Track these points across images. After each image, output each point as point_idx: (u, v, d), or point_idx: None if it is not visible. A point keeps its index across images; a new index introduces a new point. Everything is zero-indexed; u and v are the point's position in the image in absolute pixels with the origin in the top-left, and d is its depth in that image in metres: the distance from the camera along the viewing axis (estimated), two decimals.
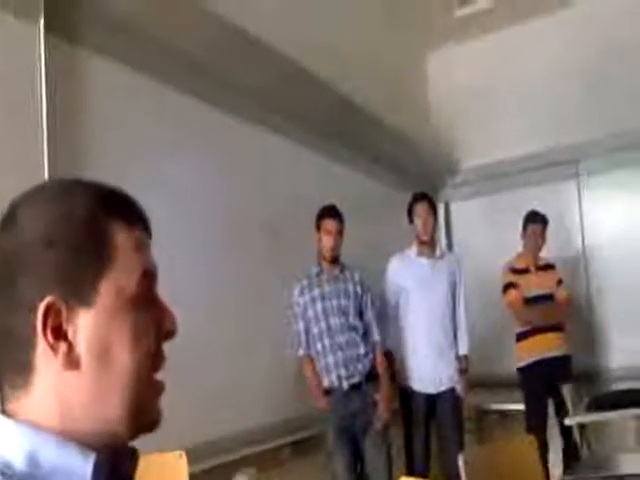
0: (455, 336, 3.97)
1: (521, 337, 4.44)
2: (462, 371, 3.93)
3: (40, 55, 2.31)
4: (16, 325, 0.66)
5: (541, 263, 4.52)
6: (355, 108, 4.20)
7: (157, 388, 0.72)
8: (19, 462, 0.63)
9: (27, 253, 0.66)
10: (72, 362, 0.66)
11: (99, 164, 2.52)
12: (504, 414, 4.95)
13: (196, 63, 3.05)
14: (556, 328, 4.38)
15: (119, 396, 0.68)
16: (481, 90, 5.65)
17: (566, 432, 4.08)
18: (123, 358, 0.68)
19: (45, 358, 0.66)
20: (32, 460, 0.63)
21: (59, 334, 0.65)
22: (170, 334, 0.73)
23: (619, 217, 5.05)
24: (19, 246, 0.66)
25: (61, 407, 0.66)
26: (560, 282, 4.49)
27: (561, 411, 4.06)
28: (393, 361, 3.80)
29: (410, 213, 3.98)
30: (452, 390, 3.88)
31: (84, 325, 0.66)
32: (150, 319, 0.71)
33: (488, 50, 5.64)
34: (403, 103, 5.31)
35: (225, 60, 3.14)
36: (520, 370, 4.42)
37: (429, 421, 3.88)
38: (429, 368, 3.84)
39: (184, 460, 2.16)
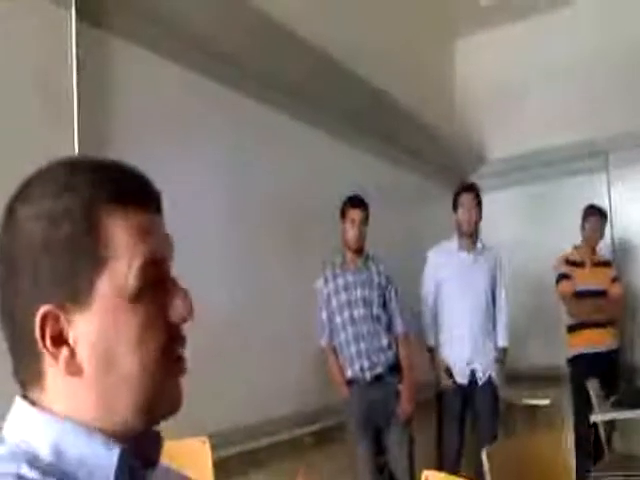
0: (494, 329, 3.96)
1: (571, 329, 4.45)
2: (499, 361, 3.91)
3: (71, 40, 2.32)
4: (21, 333, 0.66)
5: (597, 259, 4.52)
6: (383, 99, 4.17)
7: (175, 370, 0.70)
8: (45, 452, 0.63)
9: (25, 257, 0.65)
10: (75, 369, 0.65)
11: (126, 148, 2.53)
12: (529, 408, 4.91)
13: (225, 53, 3.04)
14: (607, 324, 4.38)
15: (127, 399, 0.66)
16: (509, 80, 5.58)
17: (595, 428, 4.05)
18: (127, 360, 0.66)
19: (51, 366, 0.65)
20: (57, 450, 0.64)
21: (60, 341, 0.64)
22: (184, 319, 0.70)
23: None
24: (18, 250, 0.65)
25: (73, 412, 0.66)
26: (615, 280, 4.49)
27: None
28: (433, 357, 3.85)
29: (455, 203, 3.96)
30: (489, 382, 3.87)
31: (84, 329, 0.65)
32: (158, 309, 0.68)
33: (516, 40, 5.56)
34: (431, 94, 5.26)
35: (254, 50, 3.13)
36: (569, 362, 4.44)
37: (464, 414, 3.87)
38: (465, 361, 3.85)
39: (207, 446, 2.17)
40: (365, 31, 4.25)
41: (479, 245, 4.01)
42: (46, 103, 2.25)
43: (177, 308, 0.69)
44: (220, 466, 2.30)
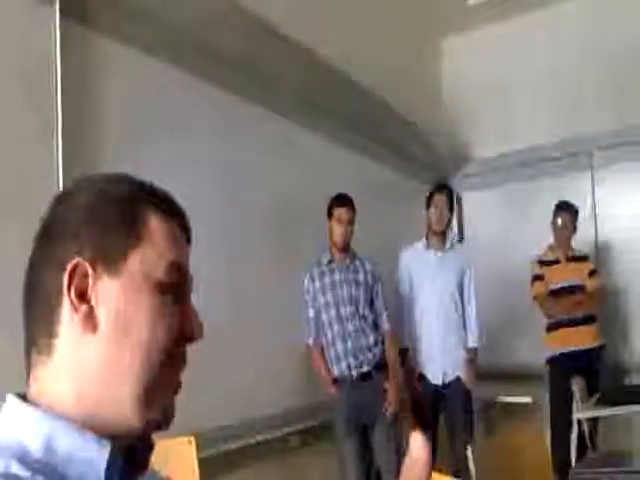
0: (464, 328, 3.97)
1: (550, 328, 4.43)
2: (469, 361, 3.92)
3: (56, 37, 2.30)
4: (48, 280, 0.69)
5: (572, 255, 4.50)
6: (368, 97, 4.19)
7: (172, 383, 0.72)
8: (36, 449, 0.64)
9: (71, 219, 0.70)
10: (91, 324, 0.67)
11: (111, 145, 2.53)
12: (510, 406, 4.94)
13: (214, 52, 3.03)
14: (585, 320, 4.36)
15: (133, 372, 0.68)
16: (495, 80, 5.61)
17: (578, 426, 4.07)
18: (140, 335, 0.68)
19: (68, 318, 0.68)
20: (49, 447, 0.64)
21: (83, 297, 0.68)
22: (193, 337, 0.74)
23: (633, 209, 5.01)
24: (66, 212, 0.71)
25: (78, 374, 0.67)
26: (592, 273, 4.46)
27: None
28: (406, 355, 3.80)
29: (428, 202, 3.98)
30: (459, 381, 3.88)
31: (108, 293, 0.68)
32: (174, 313, 0.72)
33: (502, 40, 5.59)
34: (416, 93, 5.28)
35: (238, 46, 3.13)
36: (548, 362, 4.42)
37: (436, 413, 3.88)
38: (435, 360, 3.86)
39: (193, 446, 2.17)
40: (353, 31, 4.26)
41: (448, 245, 4.02)
42: (29, 102, 2.23)
43: (190, 323, 0.73)
44: (206, 465, 2.30)
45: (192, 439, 2.19)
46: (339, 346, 3.42)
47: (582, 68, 5.21)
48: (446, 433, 3.89)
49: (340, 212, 3.47)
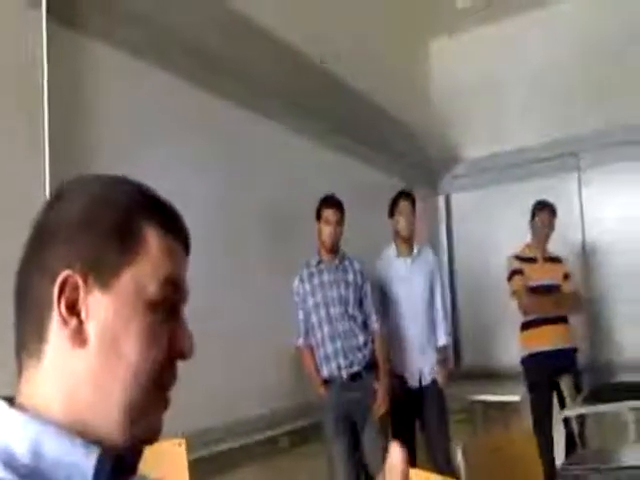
0: (435, 329, 4.01)
1: (525, 327, 4.42)
2: (441, 362, 3.96)
3: (42, 40, 2.30)
4: (39, 288, 0.67)
5: (549, 255, 4.51)
6: (357, 98, 4.20)
7: (161, 401, 0.71)
8: (22, 453, 0.63)
9: (63, 227, 0.68)
10: (80, 339, 0.66)
11: (100, 149, 2.52)
12: (498, 406, 4.97)
13: (199, 51, 3.04)
14: (560, 320, 4.37)
15: (122, 387, 0.67)
16: (483, 82, 5.64)
17: (566, 424, 4.09)
18: (130, 353, 0.67)
19: (57, 329, 0.66)
20: (35, 452, 0.63)
21: (72, 309, 0.66)
22: (183, 355, 0.72)
23: (619, 210, 5.04)
24: (58, 219, 0.69)
25: (66, 383, 0.67)
26: (567, 277, 4.48)
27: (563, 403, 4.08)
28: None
29: (392, 210, 4.00)
30: (435, 384, 3.91)
31: (98, 308, 0.67)
32: (165, 331, 0.70)
33: (490, 41, 5.62)
34: (405, 93, 5.29)
35: (228, 48, 3.14)
36: (523, 361, 4.41)
37: (413, 415, 3.90)
38: (411, 363, 3.89)
39: (183, 448, 2.17)
40: (341, 31, 4.27)
41: (415, 250, 4.05)
42: (16, 106, 2.23)
43: (181, 341, 0.72)
44: (195, 467, 2.30)
45: (183, 441, 2.18)
46: (329, 346, 3.43)
47: (570, 69, 5.24)
48: (423, 435, 3.92)
49: (328, 213, 3.49)
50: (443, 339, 4.03)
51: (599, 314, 4.99)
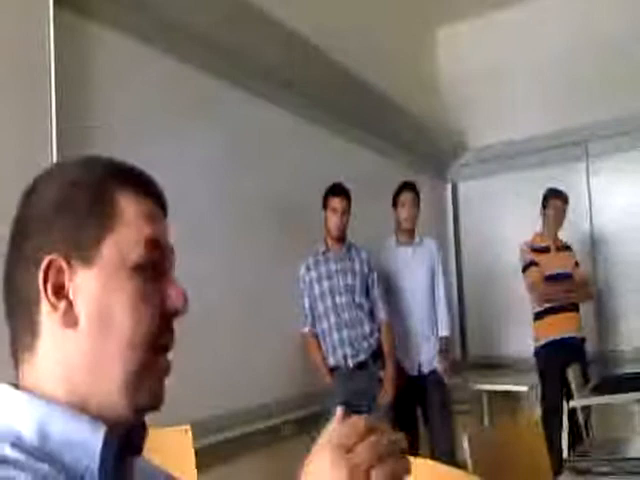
0: (436, 319, 4.00)
1: (539, 316, 4.42)
2: (442, 352, 3.95)
3: (49, 27, 2.28)
4: (25, 282, 0.68)
5: (560, 244, 4.51)
6: (365, 87, 4.17)
7: (160, 364, 0.71)
8: (29, 434, 0.64)
9: (39, 217, 0.69)
10: (71, 320, 0.67)
11: (106, 135, 2.51)
12: (504, 396, 4.96)
13: (207, 38, 3.02)
14: (572, 309, 4.38)
15: (118, 361, 0.67)
16: (491, 70, 5.60)
17: (572, 414, 4.08)
18: (122, 322, 0.67)
19: (48, 315, 0.67)
20: (42, 432, 0.64)
21: (60, 292, 0.67)
22: (177, 312, 0.72)
23: (628, 199, 5.02)
24: (33, 211, 0.70)
25: (63, 370, 0.67)
26: (577, 265, 4.48)
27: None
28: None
29: (395, 201, 4.00)
30: (435, 374, 3.91)
31: (85, 285, 0.67)
32: (155, 291, 0.70)
33: (499, 29, 5.58)
34: (412, 81, 5.26)
35: (236, 36, 3.11)
36: (537, 350, 4.42)
37: (414, 404, 3.90)
38: (411, 352, 3.89)
39: (189, 435, 2.17)
40: (348, 20, 4.25)
41: (417, 239, 4.04)
42: (23, 92, 2.22)
43: (172, 298, 0.72)
44: (202, 454, 2.30)
45: (188, 428, 2.18)
46: (335, 335, 3.43)
47: (579, 57, 5.20)
48: (426, 425, 3.93)
49: (335, 202, 3.47)
50: (444, 329, 4.02)
51: (606, 304, 4.97)
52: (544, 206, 4.48)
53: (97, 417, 0.66)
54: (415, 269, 3.97)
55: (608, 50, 5.06)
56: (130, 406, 0.68)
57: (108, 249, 0.68)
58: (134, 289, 0.68)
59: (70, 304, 0.67)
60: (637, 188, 5.01)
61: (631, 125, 4.90)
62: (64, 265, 0.67)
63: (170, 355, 0.73)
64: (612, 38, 5.03)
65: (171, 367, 0.72)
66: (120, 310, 0.67)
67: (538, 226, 4.53)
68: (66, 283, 0.67)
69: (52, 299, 0.66)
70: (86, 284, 0.67)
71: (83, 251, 0.68)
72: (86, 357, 0.67)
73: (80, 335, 0.67)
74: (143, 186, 0.73)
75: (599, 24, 5.13)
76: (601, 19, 5.13)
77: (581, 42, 5.19)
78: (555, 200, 4.44)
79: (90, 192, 0.69)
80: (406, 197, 3.96)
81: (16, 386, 0.68)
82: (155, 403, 0.71)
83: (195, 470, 2.13)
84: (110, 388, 0.67)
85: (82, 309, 0.67)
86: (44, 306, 0.67)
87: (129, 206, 0.70)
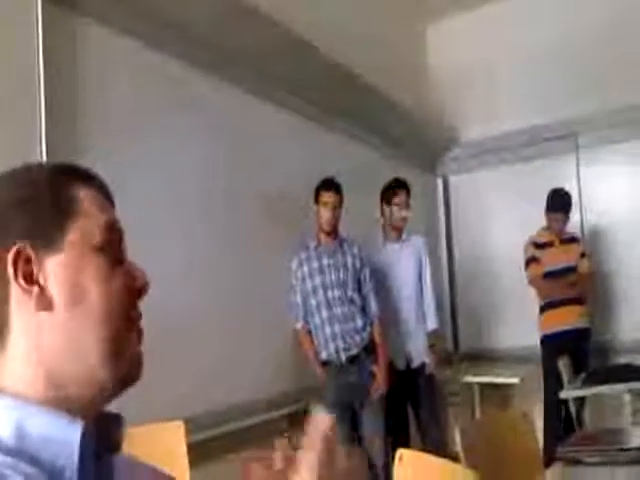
0: (424, 314, 4.02)
1: (544, 309, 4.49)
2: (430, 346, 3.97)
3: (38, 22, 2.27)
4: None
5: (565, 236, 4.54)
6: (354, 80, 4.17)
7: (134, 333, 0.74)
8: (7, 435, 0.64)
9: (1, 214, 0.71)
10: (45, 302, 0.69)
11: (96, 132, 2.50)
12: (497, 388, 4.98)
13: (196, 33, 3.01)
14: (578, 301, 4.43)
15: (95, 333, 0.70)
16: (481, 63, 5.60)
17: (565, 405, 4.12)
18: (95, 295, 0.70)
19: (19, 303, 0.69)
20: (20, 433, 0.64)
21: (31, 280, 0.69)
22: (140, 290, 0.76)
23: (618, 191, 5.04)
24: None
25: (39, 356, 0.68)
26: (583, 255, 4.52)
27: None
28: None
29: (389, 200, 3.99)
30: (423, 366, 3.93)
31: (54, 269, 0.70)
32: (117, 273, 0.74)
33: (488, 22, 5.58)
34: (402, 75, 5.26)
35: (224, 30, 3.10)
36: (542, 341, 4.48)
37: (404, 398, 3.92)
38: (399, 346, 3.89)
39: (182, 430, 2.17)
40: (338, 13, 4.25)
41: (404, 236, 4.05)
42: (11, 91, 2.20)
43: (136, 278, 0.75)
44: (195, 450, 2.30)
45: (181, 424, 2.18)
46: (327, 329, 3.44)
47: (568, 50, 5.20)
48: (415, 419, 3.95)
49: (326, 196, 3.48)
50: (433, 324, 4.04)
51: (599, 296, 4.99)
52: (549, 208, 4.49)
53: (77, 409, 0.67)
54: (403, 265, 3.99)
55: (598, 43, 5.06)
56: (112, 376, 0.70)
57: (73, 234, 0.71)
58: (101, 265, 0.72)
59: (42, 289, 0.69)
60: (627, 180, 5.04)
61: (621, 117, 4.91)
62: (32, 254, 0.69)
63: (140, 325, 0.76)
64: (602, 30, 5.04)
65: (142, 337, 0.75)
66: (91, 285, 0.70)
67: (543, 220, 4.55)
68: (35, 270, 0.69)
69: (24, 285, 0.68)
70: (55, 268, 0.70)
71: (49, 239, 0.70)
72: (64, 336, 0.69)
73: (56, 315, 0.69)
74: (89, 179, 0.77)
75: (588, 16, 5.14)
76: (590, 12, 5.14)
77: (570, 35, 5.19)
78: (558, 204, 4.46)
79: (45, 185, 0.73)
80: (401, 198, 3.97)
81: None
82: (134, 372, 0.73)
83: (188, 466, 2.14)
84: (90, 362, 0.69)
85: (54, 291, 0.69)
86: (13, 298, 0.68)
87: (84, 195, 0.74)
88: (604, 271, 5.00)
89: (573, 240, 4.56)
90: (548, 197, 4.51)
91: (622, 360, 4.58)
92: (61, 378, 0.68)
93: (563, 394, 3.84)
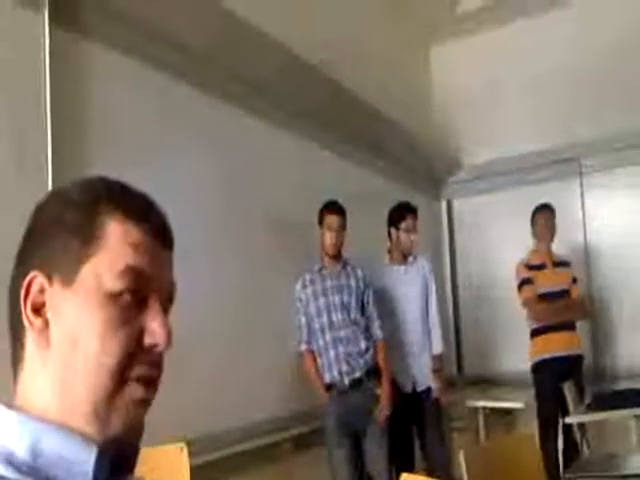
0: (429, 337, 4.00)
1: (535, 334, 4.44)
2: (436, 371, 3.95)
3: (44, 45, 2.30)
4: (16, 292, 0.69)
5: (557, 260, 4.52)
6: (358, 103, 4.20)
7: (131, 396, 0.68)
8: (22, 452, 0.64)
9: (37, 231, 0.71)
10: (44, 340, 0.67)
11: (101, 152, 2.52)
12: (501, 413, 4.96)
13: (200, 55, 3.05)
14: (570, 326, 4.38)
15: (85, 387, 0.66)
16: (484, 87, 5.65)
17: (568, 431, 4.08)
18: (88, 348, 0.66)
19: (28, 331, 0.68)
20: (35, 449, 0.64)
21: (39, 310, 0.67)
22: (155, 346, 0.69)
23: (621, 215, 5.05)
24: (35, 224, 0.72)
25: (44, 389, 0.67)
26: (575, 281, 4.49)
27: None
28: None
29: (397, 225, 3.97)
30: (429, 390, 3.91)
31: (61, 306, 0.67)
32: (132, 322, 0.68)
33: (492, 46, 5.63)
34: (406, 99, 5.30)
35: (228, 52, 3.14)
36: (533, 366, 4.42)
37: (409, 421, 3.89)
38: (405, 369, 3.87)
39: (185, 453, 2.16)
40: (342, 37, 4.28)
41: (410, 258, 4.04)
42: (16, 111, 2.22)
43: (153, 332, 0.69)
44: (198, 472, 2.29)
45: (184, 446, 2.17)
46: (331, 352, 3.42)
47: (571, 74, 5.25)
48: (420, 443, 3.92)
49: (330, 219, 3.48)
50: (438, 347, 4.01)
51: (601, 320, 4.97)
52: (533, 222, 4.50)
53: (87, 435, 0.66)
54: (408, 287, 3.97)
55: (601, 67, 5.11)
56: (100, 434, 0.66)
57: (86, 272, 0.67)
58: (104, 317, 0.66)
59: (46, 323, 0.67)
60: (631, 204, 5.04)
61: (624, 141, 4.94)
62: (46, 284, 0.67)
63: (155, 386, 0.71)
64: (604, 55, 5.08)
65: (151, 398, 0.70)
66: (87, 336, 0.66)
67: (532, 244, 4.55)
68: (46, 304, 0.67)
69: (30, 315, 0.67)
70: (62, 305, 0.67)
71: (64, 271, 0.67)
72: (56, 379, 0.67)
73: (51, 356, 0.67)
74: (137, 213, 0.71)
75: (591, 42, 5.18)
76: (593, 37, 5.18)
77: (574, 59, 5.24)
78: (541, 214, 4.47)
79: (80, 213, 0.69)
80: (411, 223, 3.95)
81: (10, 405, 0.68)
82: (127, 435, 0.68)
83: None
84: (82, 411, 0.66)
85: (55, 330, 0.67)
86: (26, 322, 0.68)
87: (114, 230, 0.69)
88: (607, 295, 4.98)
89: (565, 264, 4.53)
90: (533, 211, 4.52)
91: (624, 384, 4.56)
92: (62, 415, 0.66)
93: (570, 419, 3.81)
